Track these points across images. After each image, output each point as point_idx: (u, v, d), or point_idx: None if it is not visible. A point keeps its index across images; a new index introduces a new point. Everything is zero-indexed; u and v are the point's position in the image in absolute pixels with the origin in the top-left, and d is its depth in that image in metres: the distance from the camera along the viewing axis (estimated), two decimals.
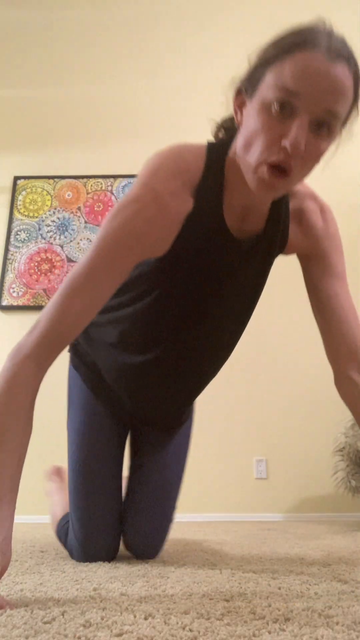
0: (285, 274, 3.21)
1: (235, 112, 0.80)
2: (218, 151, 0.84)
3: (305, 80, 0.68)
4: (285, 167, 0.71)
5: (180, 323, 0.98)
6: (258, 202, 0.86)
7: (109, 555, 1.12)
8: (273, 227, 0.90)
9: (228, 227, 0.86)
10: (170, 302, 0.95)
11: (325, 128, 0.71)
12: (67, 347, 1.17)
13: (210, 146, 0.86)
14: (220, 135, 0.91)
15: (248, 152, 0.74)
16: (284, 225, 0.92)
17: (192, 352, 1.03)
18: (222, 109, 0.87)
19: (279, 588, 0.76)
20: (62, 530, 1.22)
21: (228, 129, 0.90)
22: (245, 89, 0.77)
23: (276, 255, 0.96)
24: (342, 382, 0.93)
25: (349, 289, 0.96)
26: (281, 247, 0.95)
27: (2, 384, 0.74)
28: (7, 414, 0.73)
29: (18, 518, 2.75)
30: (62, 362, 1.02)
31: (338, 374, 0.93)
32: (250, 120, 0.74)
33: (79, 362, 1.18)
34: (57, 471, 1.69)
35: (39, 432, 2.77)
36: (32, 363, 0.75)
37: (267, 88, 0.71)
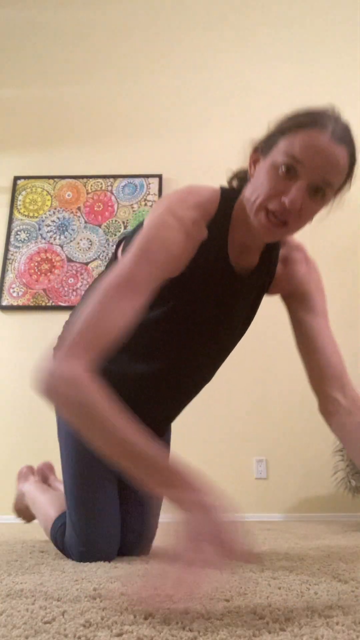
0: None
1: (250, 166, 0.95)
2: (230, 194, 0.99)
3: (310, 152, 0.83)
4: (283, 219, 0.86)
5: (178, 338, 1.06)
6: (255, 242, 0.99)
7: (113, 554, 1.12)
8: (264, 267, 1.04)
9: (229, 258, 0.99)
10: (174, 318, 1.04)
11: (320, 194, 0.86)
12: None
13: (224, 190, 1.00)
14: (234, 183, 1.05)
15: (253, 198, 0.89)
16: (273, 267, 1.07)
17: (184, 367, 1.09)
18: (235, 154, 1.04)
19: (279, 588, 0.76)
20: (59, 532, 1.21)
21: (240, 179, 1.04)
22: (261, 149, 0.92)
23: (265, 292, 1.10)
24: (328, 406, 1.03)
25: (330, 325, 1.07)
26: (268, 286, 1.09)
27: (75, 394, 0.73)
28: (114, 414, 0.71)
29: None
30: None
31: (323, 400, 1.04)
32: (261, 174, 0.89)
33: None
34: (32, 470, 1.68)
35: (38, 431, 2.77)
36: (81, 363, 0.75)
37: (279, 152, 0.86)
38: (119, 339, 0.80)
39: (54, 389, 0.76)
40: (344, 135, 0.85)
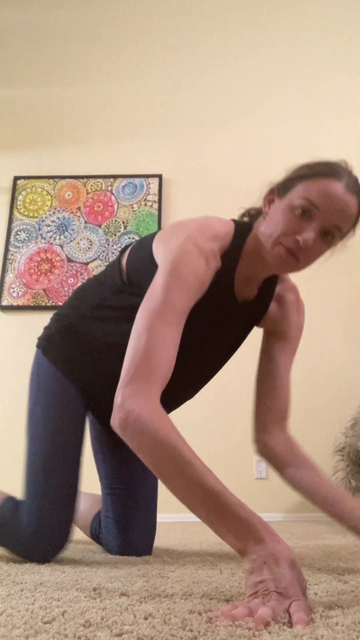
0: None
1: (264, 205, 1.03)
2: (243, 229, 1.05)
3: (326, 199, 0.91)
4: (295, 255, 0.94)
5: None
6: (259, 275, 1.07)
7: (63, 537, 1.06)
8: (261, 300, 1.13)
9: (234, 288, 1.07)
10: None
11: (329, 236, 0.94)
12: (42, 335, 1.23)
13: (237, 224, 1.06)
14: (245, 218, 1.12)
15: (269, 232, 0.96)
16: (268, 302, 1.15)
17: (171, 381, 1.11)
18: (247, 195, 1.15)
19: None
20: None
21: (252, 216, 1.10)
22: (278, 190, 1.00)
23: (256, 323, 1.18)
24: (265, 437, 1.15)
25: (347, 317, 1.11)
26: (260, 318, 1.16)
27: (149, 433, 0.75)
28: (190, 456, 0.73)
29: None
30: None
31: (262, 431, 1.15)
32: (277, 214, 0.96)
33: (51, 348, 1.18)
34: None
35: None
36: (151, 400, 0.79)
37: (297, 196, 0.94)
38: (172, 367, 0.85)
39: (135, 429, 0.78)
40: (355, 187, 0.94)
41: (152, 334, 0.84)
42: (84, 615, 0.59)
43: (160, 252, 0.99)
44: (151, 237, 1.08)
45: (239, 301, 1.09)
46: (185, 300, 0.89)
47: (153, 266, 0.99)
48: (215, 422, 2.93)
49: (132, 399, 0.80)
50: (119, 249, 3.25)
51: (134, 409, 0.79)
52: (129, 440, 0.79)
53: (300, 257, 0.94)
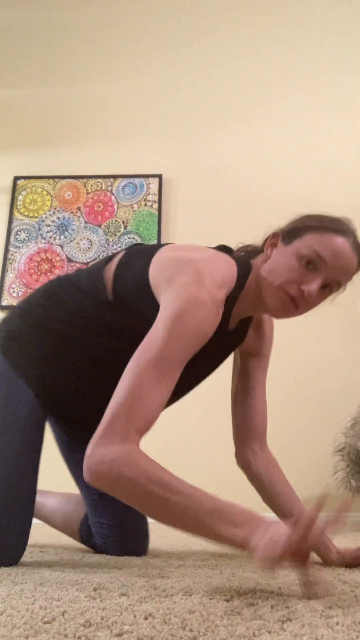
0: None
1: (267, 247, 1.04)
2: (244, 271, 1.04)
3: (333, 255, 0.95)
4: (296, 303, 0.97)
5: None
6: (251, 314, 1.11)
7: (16, 552, 0.99)
8: (242, 329, 1.16)
9: (229, 323, 1.08)
10: None
11: (328, 289, 0.99)
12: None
13: (239, 264, 1.04)
14: (242, 253, 1.13)
15: (272, 279, 0.99)
16: (247, 330, 1.18)
17: None
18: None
19: (279, 588, 0.76)
20: None
21: (249, 252, 1.12)
22: (283, 236, 1.02)
23: (235, 348, 1.19)
24: (247, 455, 1.21)
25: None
26: (239, 344, 1.18)
27: (128, 473, 0.74)
28: (177, 484, 0.74)
29: None
30: None
31: (243, 449, 1.21)
32: (281, 260, 0.99)
33: (13, 346, 1.09)
34: None
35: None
36: (131, 445, 0.78)
37: (304, 246, 0.96)
38: (155, 421, 0.82)
39: (112, 473, 0.75)
40: (357, 246, 0.99)
41: (141, 386, 0.80)
42: (84, 615, 0.59)
43: (163, 288, 0.93)
44: (145, 256, 1.02)
45: (229, 333, 1.10)
46: (185, 354, 0.86)
47: (147, 291, 0.96)
48: (215, 422, 2.92)
49: (105, 446, 0.76)
50: (119, 249, 3.25)
51: (106, 454, 0.75)
52: (110, 483, 0.76)
53: (300, 305, 0.98)
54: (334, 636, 0.51)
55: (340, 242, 0.96)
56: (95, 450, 0.77)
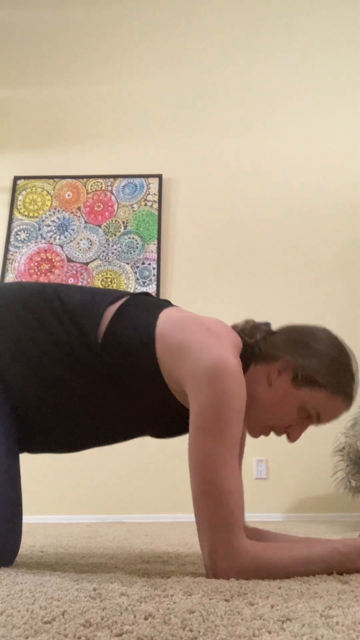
0: (286, 278, 3.21)
1: (273, 369, 0.97)
2: (245, 362, 0.99)
3: (331, 417, 0.96)
4: (275, 433, 0.99)
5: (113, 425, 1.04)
6: None
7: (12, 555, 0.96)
8: None
9: None
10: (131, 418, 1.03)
11: (311, 425, 0.98)
12: None
13: (243, 350, 1.00)
14: (242, 335, 1.03)
15: (269, 415, 0.97)
16: None
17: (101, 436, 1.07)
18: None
19: (279, 588, 0.76)
20: None
21: (248, 331, 1.04)
22: (295, 374, 0.95)
23: None
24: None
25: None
26: None
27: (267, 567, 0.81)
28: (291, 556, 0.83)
29: None
30: None
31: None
32: (284, 402, 0.96)
33: None
34: None
35: None
36: (244, 540, 0.83)
37: (310, 401, 0.94)
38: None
39: (247, 570, 0.81)
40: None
41: (232, 485, 0.84)
42: (84, 615, 0.59)
43: (184, 361, 0.88)
44: (148, 316, 0.96)
45: None
46: (240, 428, 0.86)
47: (148, 355, 0.91)
48: None
49: (239, 547, 0.82)
50: (119, 249, 3.26)
51: (243, 554, 0.81)
52: (246, 577, 0.82)
53: (277, 435, 0.99)
54: (334, 636, 0.51)
55: (344, 406, 0.97)
56: (225, 566, 0.81)
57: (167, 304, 1.03)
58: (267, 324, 1.07)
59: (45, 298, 1.00)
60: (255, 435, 1.00)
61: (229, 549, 0.81)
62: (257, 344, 1.01)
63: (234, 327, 1.05)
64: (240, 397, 0.85)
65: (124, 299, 1.00)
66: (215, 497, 0.83)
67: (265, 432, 0.99)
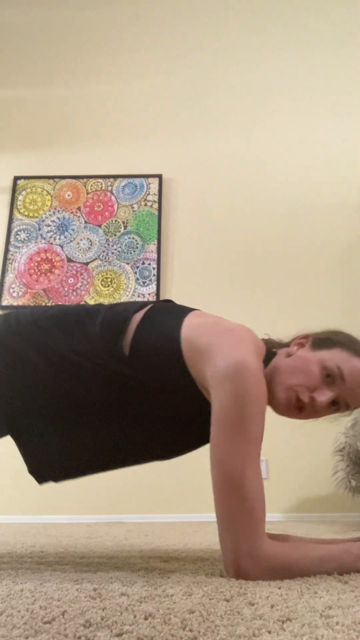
0: (286, 277, 3.20)
1: (293, 344, 1.05)
2: (268, 358, 1.04)
3: (354, 378, 0.96)
4: (302, 408, 0.98)
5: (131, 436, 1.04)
6: None
7: None
8: None
9: None
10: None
11: (336, 407, 0.99)
12: None
13: (267, 349, 1.05)
14: (266, 342, 1.10)
15: (290, 377, 0.98)
16: None
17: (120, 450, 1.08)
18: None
19: (279, 588, 0.76)
20: None
21: (272, 342, 1.11)
22: (313, 341, 1.02)
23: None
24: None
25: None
26: None
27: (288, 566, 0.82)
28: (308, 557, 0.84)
29: (18, 518, 2.75)
30: None
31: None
32: (303, 362, 0.99)
33: None
34: None
35: None
36: (265, 539, 0.83)
37: (331, 358, 0.97)
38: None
39: (270, 571, 0.82)
40: None
41: (255, 485, 0.83)
42: (84, 615, 0.59)
43: (208, 362, 0.90)
44: (173, 321, 0.98)
45: None
46: (263, 429, 0.87)
47: (176, 357, 0.93)
48: None
49: (260, 547, 0.82)
50: (119, 249, 3.26)
51: (256, 570, 0.81)
52: (268, 578, 0.82)
53: (304, 411, 0.98)
54: (334, 636, 0.51)
55: None
56: (249, 566, 0.82)
57: (190, 309, 1.05)
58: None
59: (73, 313, 1.05)
60: (282, 406, 0.98)
61: (252, 549, 0.81)
62: (272, 341, 1.10)
63: (263, 336, 1.12)
64: (261, 398, 0.87)
65: (148, 306, 1.03)
66: (239, 495, 0.82)
67: (290, 398, 0.96)
